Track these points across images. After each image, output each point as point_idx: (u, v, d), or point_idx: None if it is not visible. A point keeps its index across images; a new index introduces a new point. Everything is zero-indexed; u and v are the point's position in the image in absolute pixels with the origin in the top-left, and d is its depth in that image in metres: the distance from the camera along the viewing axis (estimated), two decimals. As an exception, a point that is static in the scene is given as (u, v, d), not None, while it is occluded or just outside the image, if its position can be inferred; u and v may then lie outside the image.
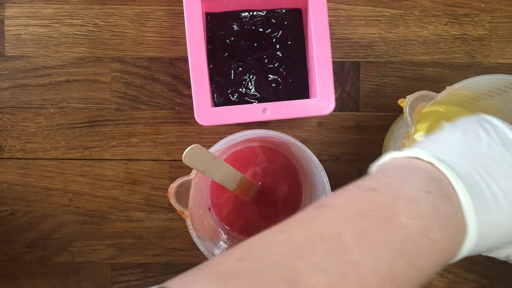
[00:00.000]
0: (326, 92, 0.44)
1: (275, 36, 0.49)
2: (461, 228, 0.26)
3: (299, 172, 0.49)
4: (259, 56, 0.48)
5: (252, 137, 0.43)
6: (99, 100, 0.50)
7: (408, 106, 0.40)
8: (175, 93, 0.50)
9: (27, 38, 0.50)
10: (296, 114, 0.44)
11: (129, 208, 0.50)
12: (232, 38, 0.48)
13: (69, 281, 0.50)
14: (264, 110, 0.44)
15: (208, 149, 0.40)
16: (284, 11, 0.49)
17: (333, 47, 0.49)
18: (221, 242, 0.46)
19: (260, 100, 0.48)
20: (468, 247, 0.26)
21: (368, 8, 0.51)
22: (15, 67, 0.50)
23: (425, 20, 0.51)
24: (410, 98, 0.41)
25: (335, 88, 0.49)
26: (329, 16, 0.49)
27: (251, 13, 0.48)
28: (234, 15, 0.48)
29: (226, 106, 0.44)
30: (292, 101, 0.44)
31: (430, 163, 0.27)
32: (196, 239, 0.41)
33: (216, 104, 0.48)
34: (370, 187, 0.26)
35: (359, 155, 0.51)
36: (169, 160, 0.50)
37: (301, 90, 0.48)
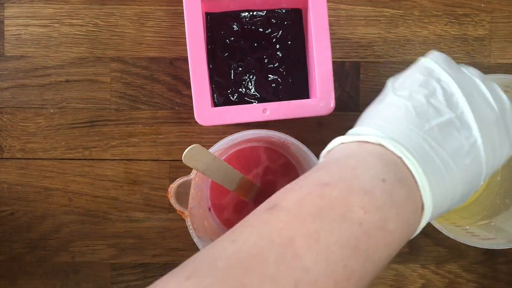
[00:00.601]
0: (326, 92, 0.44)
1: (275, 36, 0.49)
2: (418, 210, 0.26)
3: (299, 172, 0.49)
4: (259, 56, 0.48)
5: (252, 137, 0.43)
6: (99, 100, 0.50)
7: None
8: (175, 93, 0.50)
9: (27, 38, 0.50)
10: (296, 114, 0.44)
11: (129, 208, 0.50)
12: (232, 38, 0.48)
13: (69, 281, 0.50)
14: (264, 110, 0.44)
15: (208, 149, 0.40)
16: (284, 11, 0.49)
17: (333, 47, 0.49)
18: None
19: (260, 100, 0.48)
20: (423, 224, 0.26)
21: (368, 8, 0.51)
22: (15, 67, 0.50)
23: (425, 20, 0.51)
24: None
25: (335, 88, 0.48)
26: (329, 16, 0.49)
27: (251, 13, 0.48)
28: (234, 15, 0.48)
29: (226, 106, 0.44)
30: (292, 101, 0.44)
31: (381, 145, 0.26)
32: (196, 239, 0.41)
33: (216, 104, 0.48)
34: (322, 181, 0.25)
35: (359, 155, 0.51)
36: (169, 160, 0.50)
37: (301, 90, 0.48)
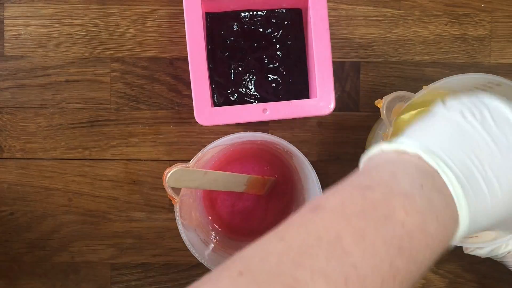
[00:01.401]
0: (326, 92, 0.44)
1: (275, 36, 0.49)
2: (455, 219, 0.26)
3: (295, 183, 0.48)
4: (259, 56, 0.48)
5: (257, 139, 0.43)
6: (99, 100, 0.50)
7: (385, 107, 0.40)
8: (175, 93, 0.50)
9: (27, 38, 0.50)
10: (296, 114, 0.44)
11: (129, 208, 0.50)
12: (232, 38, 0.48)
13: (69, 281, 0.50)
14: (264, 110, 0.44)
15: (210, 144, 0.40)
16: (284, 11, 0.49)
17: (333, 47, 0.49)
18: (208, 236, 0.46)
19: (260, 100, 0.48)
20: (460, 235, 0.27)
21: (368, 8, 0.51)
22: (15, 67, 0.50)
23: (425, 20, 0.51)
24: (386, 98, 0.41)
25: (335, 88, 0.48)
26: (329, 16, 0.49)
27: (251, 13, 0.48)
28: (234, 15, 0.48)
29: (226, 106, 0.44)
30: (292, 101, 0.44)
31: (420, 157, 0.27)
32: (180, 227, 0.41)
33: (216, 104, 0.48)
34: (364, 184, 0.26)
35: (359, 155, 0.51)
36: (169, 160, 0.50)
37: (301, 90, 0.48)
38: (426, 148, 0.27)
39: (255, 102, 0.48)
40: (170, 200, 0.40)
